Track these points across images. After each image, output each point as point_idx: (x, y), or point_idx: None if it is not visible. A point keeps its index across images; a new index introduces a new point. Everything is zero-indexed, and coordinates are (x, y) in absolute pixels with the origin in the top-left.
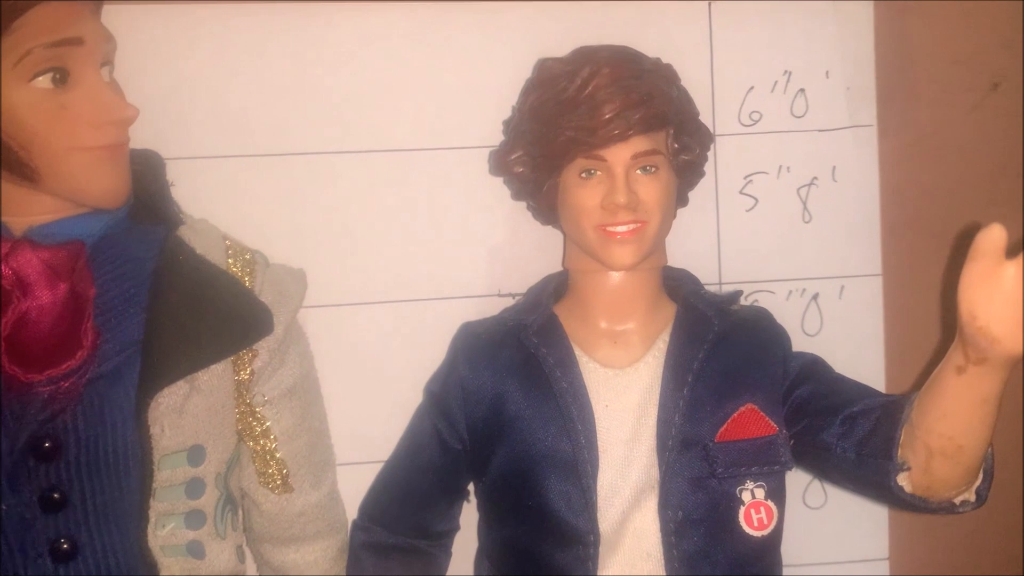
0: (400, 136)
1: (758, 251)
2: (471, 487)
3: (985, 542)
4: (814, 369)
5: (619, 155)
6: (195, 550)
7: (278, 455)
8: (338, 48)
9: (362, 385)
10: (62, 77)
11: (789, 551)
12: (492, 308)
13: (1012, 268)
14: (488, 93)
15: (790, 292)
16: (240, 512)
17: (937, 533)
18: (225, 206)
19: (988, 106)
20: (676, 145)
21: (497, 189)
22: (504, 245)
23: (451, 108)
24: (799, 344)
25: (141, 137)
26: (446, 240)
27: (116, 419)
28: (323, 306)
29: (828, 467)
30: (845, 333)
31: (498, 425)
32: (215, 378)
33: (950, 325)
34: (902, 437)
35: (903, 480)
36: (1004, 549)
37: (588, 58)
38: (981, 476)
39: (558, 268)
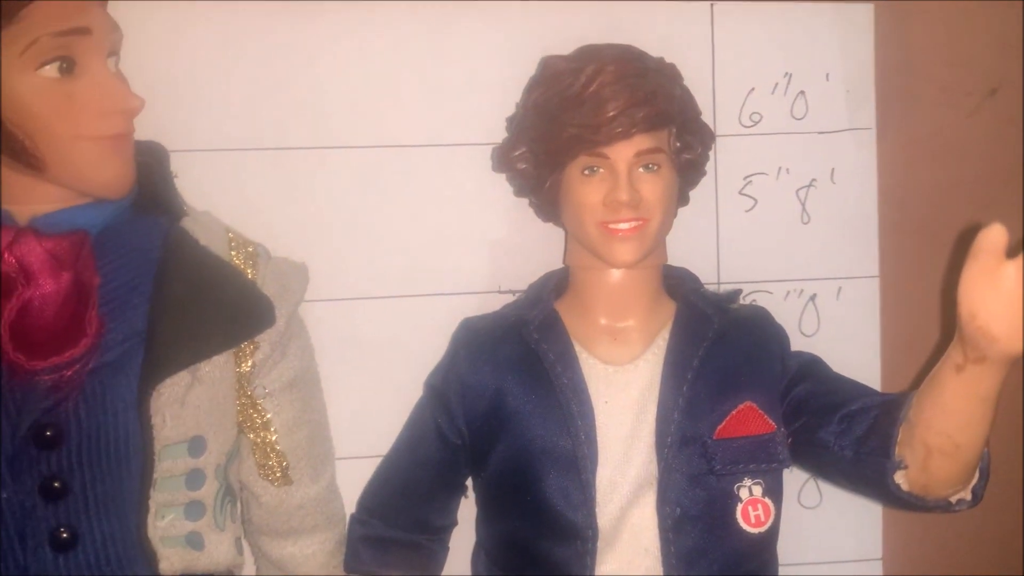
0: (404, 132)
1: (757, 251)
2: (469, 482)
3: (979, 542)
4: (812, 368)
5: (622, 153)
6: (194, 541)
7: (278, 447)
8: (343, 43)
9: (362, 379)
10: (69, 66)
11: (784, 550)
12: (493, 304)
13: (1012, 268)
14: (491, 90)
15: (788, 292)
16: (239, 504)
17: (931, 533)
18: (229, 199)
19: (986, 110)
20: (678, 144)
21: (499, 185)
22: (505, 241)
23: (455, 104)
24: (797, 344)
25: (146, 128)
26: (448, 236)
27: (118, 408)
28: (325, 300)
29: (826, 465)
30: (842, 334)
31: (498, 420)
32: (217, 369)
33: (949, 325)
34: (900, 435)
35: (900, 478)
36: (998, 549)
37: (592, 56)
38: (977, 475)
39: (559, 265)
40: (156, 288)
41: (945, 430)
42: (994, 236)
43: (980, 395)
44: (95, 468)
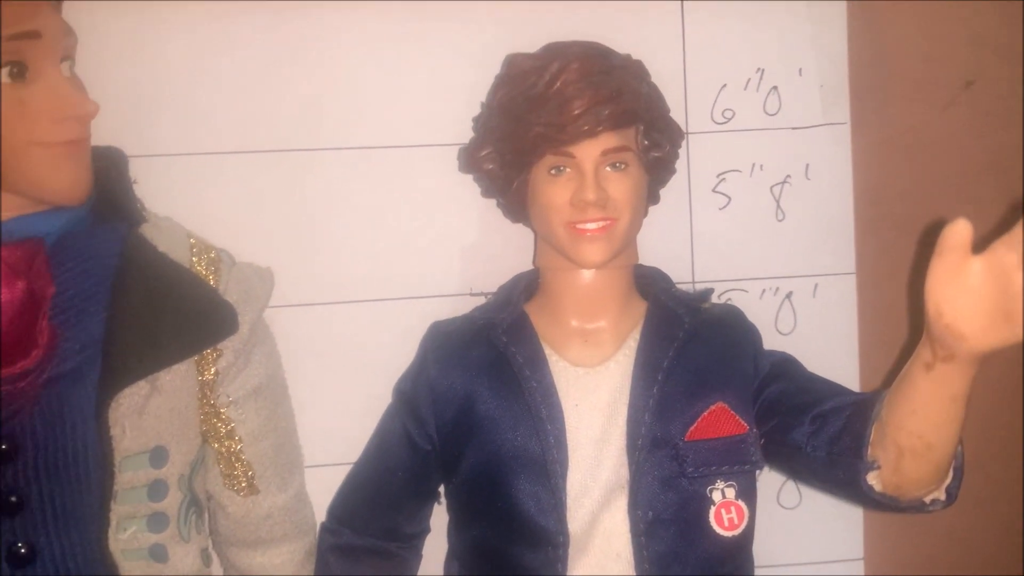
0: (371, 133)
1: (731, 249)
2: (442, 488)
3: (960, 542)
4: (785, 367)
5: (588, 152)
6: (157, 553)
7: (243, 457)
8: (307, 45)
9: (332, 385)
10: (20, 72)
11: (763, 552)
12: (465, 307)
13: (978, 264)
14: (460, 90)
15: (763, 291)
16: (206, 514)
17: (912, 533)
18: (193, 204)
19: (962, 103)
20: (646, 142)
21: (469, 186)
22: (477, 243)
23: (422, 105)
24: (773, 343)
25: (107, 133)
26: (418, 238)
27: (75, 420)
28: (292, 305)
29: (798, 466)
30: (819, 331)
31: (467, 425)
32: (178, 378)
33: (917, 323)
34: (872, 435)
35: (873, 479)
36: (979, 548)
37: (557, 54)
38: (951, 474)
39: (531, 266)
40: (114, 296)
41: (916, 430)
42: (959, 232)
43: (950, 394)
44: (52, 481)
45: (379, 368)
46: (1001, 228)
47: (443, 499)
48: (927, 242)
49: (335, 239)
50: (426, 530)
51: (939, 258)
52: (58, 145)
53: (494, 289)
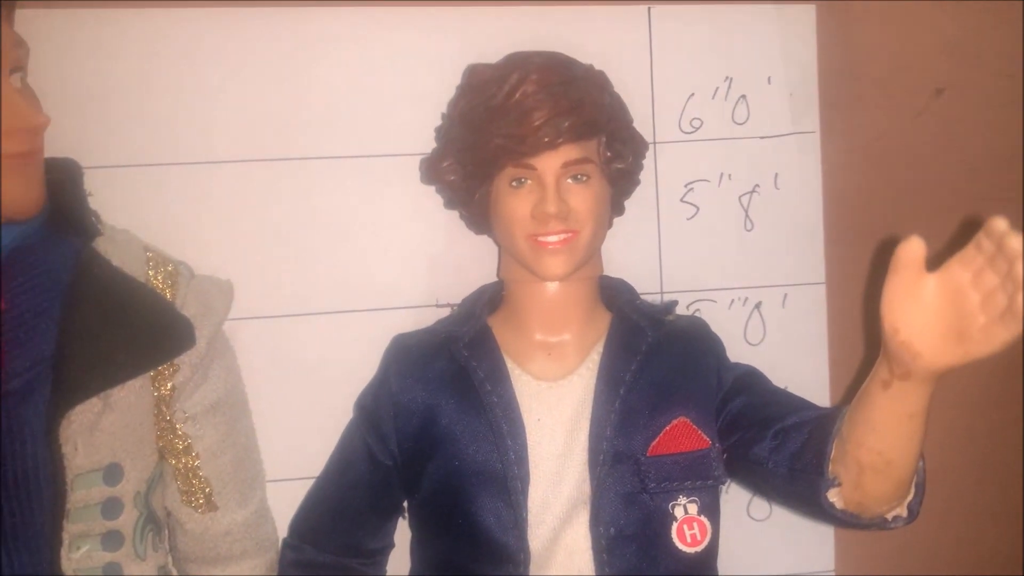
0: (335, 143)
1: (700, 260)
2: (406, 504)
3: (931, 553)
4: (748, 381)
5: (549, 163)
6: (112, 572)
7: (201, 473)
8: (270, 54)
9: (295, 399)
10: None
11: (734, 564)
12: (430, 319)
13: (933, 281)
14: (426, 99)
15: (732, 301)
16: (165, 532)
17: (883, 545)
18: (153, 216)
19: (933, 112)
20: (608, 153)
21: (435, 197)
22: (443, 254)
23: (387, 114)
24: (742, 354)
25: (64, 145)
26: (382, 249)
27: (26, 438)
28: (254, 318)
29: (760, 482)
30: (789, 342)
31: (429, 440)
32: (132, 394)
33: (875, 339)
34: (833, 452)
35: (834, 496)
36: (951, 560)
37: (518, 64)
38: (913, 491)
39: (497, 278)
40: (65, 312)
41: (876, 447)
42: (912, 249)
43: (908, 411)
44: (2, 500)
45: (343, 382)
46: (956, 244)
47: (407, 514)
48: (882, 252)
49: (298, 250)
50: (389, 546)
51: (894, 275)
52: (8, 157)
53: (461, 301)
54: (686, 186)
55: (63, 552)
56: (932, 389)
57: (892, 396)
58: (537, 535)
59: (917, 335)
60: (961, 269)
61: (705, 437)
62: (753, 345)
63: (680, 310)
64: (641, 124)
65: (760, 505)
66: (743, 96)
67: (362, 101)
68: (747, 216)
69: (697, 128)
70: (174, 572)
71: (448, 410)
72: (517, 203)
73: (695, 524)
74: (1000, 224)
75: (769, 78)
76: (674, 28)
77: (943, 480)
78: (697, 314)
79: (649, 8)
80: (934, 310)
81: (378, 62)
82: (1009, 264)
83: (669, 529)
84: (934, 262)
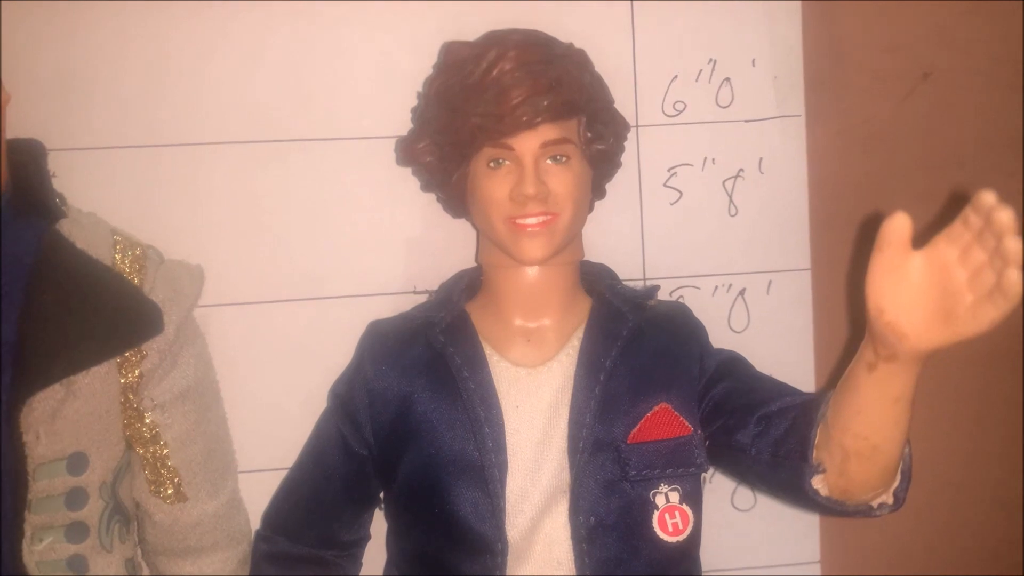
0: (309, 125)
1: (683, 245)
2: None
3: (916, 544)
4: (731, 367)
5: (527, 144)
6: (77, 565)
7: (170, 463)
8: (241, 35)
9: (269, 388)
10: None
11: (718, 555)
12: (408, 305)
13: (919, 259)
14: (402, 80)
15: (716, 287)
16: (132, 523)
17: (869, 535)
18: (123, 200)
19: (919, 96)
20: (588, 134)
21: (412, 180)
22: (420, 239)
23: (363, 96)
24: (726, 341)
25: (30, 126)
26: (359, 234)
27: None
28: (226, 304)
29: (744, 469)
30: (773, 329)
31: (405, 429)
32: (97, 381)
33: (859, 321)
34: (817, 438)
35: (818, 483)
36: (936, 551)
37: (496, 41)
38: (899, 478)
39: (475, 263)
40: (27, 296)
41: (861, 432)
42: (898, 226)
43: (894, 395)
44: None
45: (318, 370)
46: (942, 221)
47: (383, 505)
48: (868, 236)
49: (272, 235)
50: (365, 537)
51: (879, 253)
52: None
53: (438, 287)
54: (669, 170)
55: (25, 544)
56: (919, 372)
57: (877, 379)
58: (515, 525)
59: (903, 315)
60: (948, 246)
61: (687, 424)
62: (737, 332)
63: (663, 297)
64: (623, 107)
65: (745, 495)
66: (727, 79)
67: (337, 82)
68: (731, 201)
69: (680, 111)
70: (143, 564)
71: (424, 397)
72: (495, 185)
73: (677, 513)
74: (988, 198)
75: (754, 60)
76: (657, 9)
77: (930, 469)
78: (681, 301)
79: None
80: (920, 289)
81: (356, 43)
82: (997, 239)
83: (650, 518)
84: (920, 240)
